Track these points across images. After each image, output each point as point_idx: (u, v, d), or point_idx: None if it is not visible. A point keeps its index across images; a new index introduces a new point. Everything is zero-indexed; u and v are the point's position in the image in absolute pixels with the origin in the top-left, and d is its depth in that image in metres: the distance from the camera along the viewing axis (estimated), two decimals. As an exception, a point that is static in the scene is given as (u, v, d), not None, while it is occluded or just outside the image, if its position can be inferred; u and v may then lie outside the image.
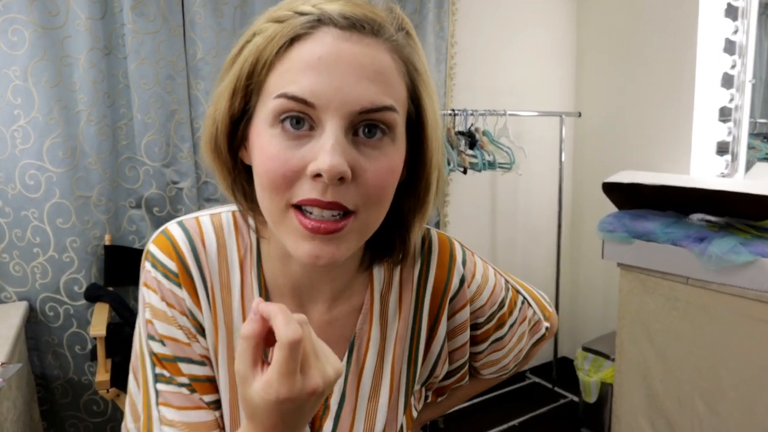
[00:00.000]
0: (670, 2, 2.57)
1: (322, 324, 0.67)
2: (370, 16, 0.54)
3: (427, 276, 0.71)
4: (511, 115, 2.51)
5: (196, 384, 0.64)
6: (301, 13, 0.54)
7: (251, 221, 0.66)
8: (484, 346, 0.78)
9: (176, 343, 0.63)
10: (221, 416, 0.65)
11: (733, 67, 2.48)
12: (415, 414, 0.74)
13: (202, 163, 2.06)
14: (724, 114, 2.53)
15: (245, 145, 0.59)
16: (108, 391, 1.62)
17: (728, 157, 2.55)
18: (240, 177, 0.62)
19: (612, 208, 2.39)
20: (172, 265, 0.64)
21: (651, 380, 2.21)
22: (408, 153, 0.59)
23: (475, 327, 0.76)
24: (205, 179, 2.07)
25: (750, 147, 2.87)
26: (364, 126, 0.54)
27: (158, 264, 0.64)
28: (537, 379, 3.07)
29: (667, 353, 2.15)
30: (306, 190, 0.53)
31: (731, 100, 2.50)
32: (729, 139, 2.54)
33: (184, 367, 0.63)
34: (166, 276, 0.64)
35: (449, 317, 0.73)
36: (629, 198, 2.33)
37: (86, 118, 1.84)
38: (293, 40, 0.54)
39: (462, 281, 0.72)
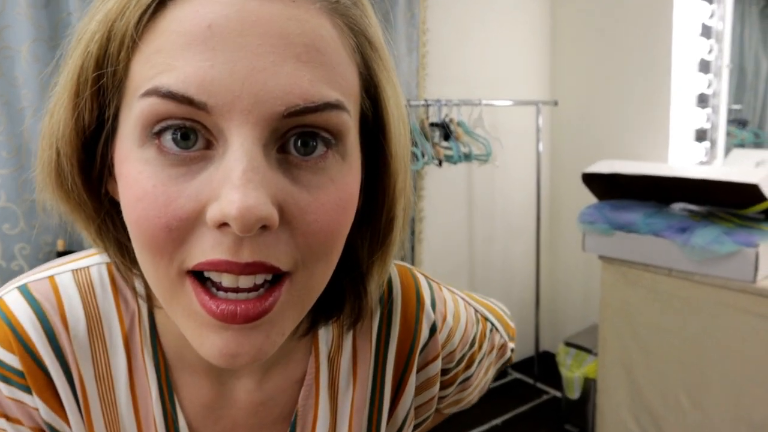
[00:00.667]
0: (645, -14, 2.51)
1: (252, 405, 0.50)
2: None
3: (389, 330, 0.54)
4: (486, 105, 2.43)
5: None
6: None
7: (138, 285, 0.46)
8: (451, 389, 0.64)
9: None
10: None
11: (710, 52, 2.43)
12: None
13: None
14: (702, 100, 2.48)
15: (110, 171, 0.39)
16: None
17: (707, 144, 2.51)
18: (111, 221, 0.42)
19: (590, 199, 2.33)
20: (14, 361, 0.43)
21: (634, 375, 2.16)
22: (364, 171, 0.41)
23: (443, 373, 0.60)
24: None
25: (727, 134, 2.85)
26: (296, 137, 0.35)
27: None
28: (519, 375, 3.01)
29: (651, 347, 2.10)
30: (207, 248, 0.33)
31: (709, 85, 2.46)
32: (707, 125, 2.49)
33: None
34: (5, 378, 0.43)
35: (418, 370, 0.57)
36: (609, 188, 2.28)
37: (31, 114, 1.70)
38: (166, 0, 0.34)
39: (433, 330, 0.56)
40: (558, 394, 2.72)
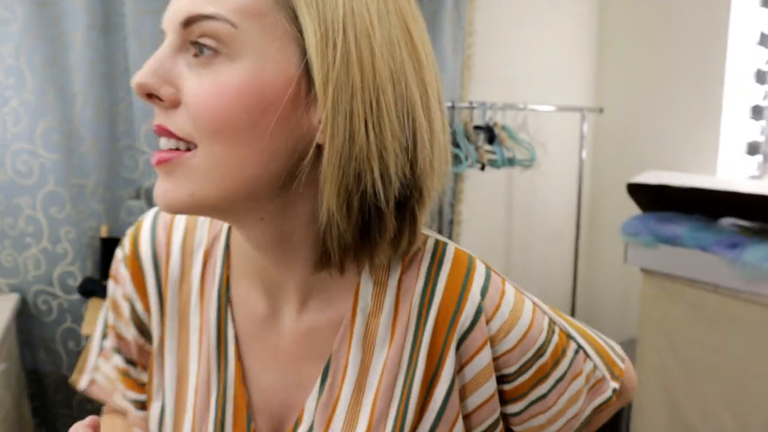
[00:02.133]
0: (701, -7, 2.43)
1: (294, 335, 0.55)
2: None
3: (432, 295, 0.53)
4: (532, 109, 2.39)
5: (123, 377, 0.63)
6: None
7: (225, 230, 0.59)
8: (520, 406, 0.58)
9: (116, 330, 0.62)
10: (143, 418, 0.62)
11: (768, 62, 2.34)
12: None
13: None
14: (757, 112, 2.40)
15: None
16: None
17: (760, 157, 2.42)
18: None
19: (633, 210, 2.27)
20: (126, 270, 0.60)
21: (674, 392, 2.10)
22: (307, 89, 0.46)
23: (503, 380, 0.56)
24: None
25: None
26: (192, 44, 0.45)
27: (120, 250, 0.61)
28: (549, 385, 2.96)
29: (692, 365, 2.03)
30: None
31: (765, 97, 2.37)
32: (762, 138, 2.40)
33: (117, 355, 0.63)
34: (122, 261, 0.61)
35: (463, 364, 0.54)
36: (654, 200, 2.22)
37: (82, 100, 1.73)
38: None
39: (479, 312, 0.53)
40: (590, 407, 2.67)
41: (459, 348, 0.53)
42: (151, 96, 0.46)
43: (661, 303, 2.12)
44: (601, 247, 3.03)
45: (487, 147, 2.20)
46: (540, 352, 0.55)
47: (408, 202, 0.48)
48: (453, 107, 2.22)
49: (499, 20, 2.56)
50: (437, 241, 0.56)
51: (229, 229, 0.58)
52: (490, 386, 0.55)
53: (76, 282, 1.80)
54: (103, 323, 0.64)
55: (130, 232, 0.61)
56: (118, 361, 0.62)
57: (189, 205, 0.46)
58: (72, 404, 1.88)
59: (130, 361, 0.62)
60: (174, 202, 0.46)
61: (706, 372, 1.99)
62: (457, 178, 2.49)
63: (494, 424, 0.57)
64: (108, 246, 1.81)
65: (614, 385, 0.63)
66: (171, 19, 0.46)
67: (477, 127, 2.24)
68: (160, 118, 0.46)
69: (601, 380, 0.62)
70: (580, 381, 0.59)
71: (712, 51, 2.41)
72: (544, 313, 0.58)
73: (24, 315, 1.78)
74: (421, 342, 0.53)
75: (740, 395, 1.90)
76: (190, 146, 0.46)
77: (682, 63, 2.55)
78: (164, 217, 0.60)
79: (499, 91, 2.57)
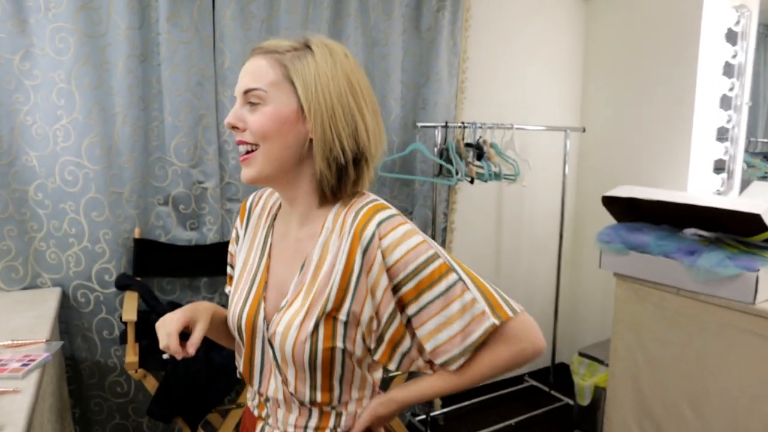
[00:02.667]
0: (673, 26, 2.69)
1: (295, 244, 0.95)
2: (266, 45, 0.89)
3: (354, 221, 0.88)
4: (517, 128, 2.64)
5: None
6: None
7: None
8: (414, 309, 0.86)
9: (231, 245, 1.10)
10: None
11: (731, 89, 2.60)
12: (342, 340, 0.88)
13: (226, 165, 2.20)
14: (722, 134, 2.65)
15: None
16: (136, 371, 1.76)
17: (724, 175, 2.66)
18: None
19: (612, 221, 2.51)
20: (240, 207, 1.11)
21: (641, 384, 2.33)
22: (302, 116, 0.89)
23: (398, 287, 0.86)
24: (228, 180, 2.21)
25: (750, 166, 2.99)
26: (248, 102, 0.88)
27: (241, 207, 1.09)
28: (534, 383, 3.19)
29: (656, 360, 2.26)
30: None
31: (729, 120, 2.62)
32: (726, 157, 2.65)
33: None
34: (238, 212, 1.09)
35: (368, 269, 0.86)
36: (628, 211, 2.45)
37: (122, 119, 1.99)
38: None
39: (374, 233, 0.85)
40: (570, 401, 2.90)
41: (364, 255, 0.86)
42: (234, 127, 0.89)
43: (631, 304, 2.35)
44: (583, 255, 3.27)
45: (476, 162, 2.45)
46: (420, 268, 0.85)
47: (359, 161, 0.90)
48: (447, 126, 2.48)
49: (491, 48, 2.82)
50: (371, 198, 0.93)
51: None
52: (384, 281, 0.85)
53: (111, 278, 2.04)
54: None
55: (247, 197, 1.09)
56: (229, 270, 1.09)
57: (257, 179, 0.89)
58: (104, 387, 2.12)
59: (232, 266, 1.08)
60: (250, 178, 0.89)
61: (668, 366, 2.22)
62: (450, 190, 2.74)
63: (393, 314, 0.87)
64: (140, 246, 2.06)
65: (495, 321, 0.86)
66: (239, 90, 0.89)
67: (468, 145, 2.49)
68: (239, 136, 0.89)
69: (482, 314, 0.86)
70: (457, 305, 0.85)
71: (683, 79, 2.67)
72: (433, 248, 0.87)
73: (64, 307, 2.02)
74: (344, 249, 0.88)
75: (697, 387, 2.13)
76: (254, 148, 0.88)
77: (657, 89, 2.81)
78: (257, 192, 1.07)
79: (490, 112, 2.83)
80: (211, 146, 2.14)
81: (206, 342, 1.82)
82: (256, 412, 1.00)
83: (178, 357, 0.90)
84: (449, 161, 2.43)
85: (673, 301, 2.18)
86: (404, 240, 0.85)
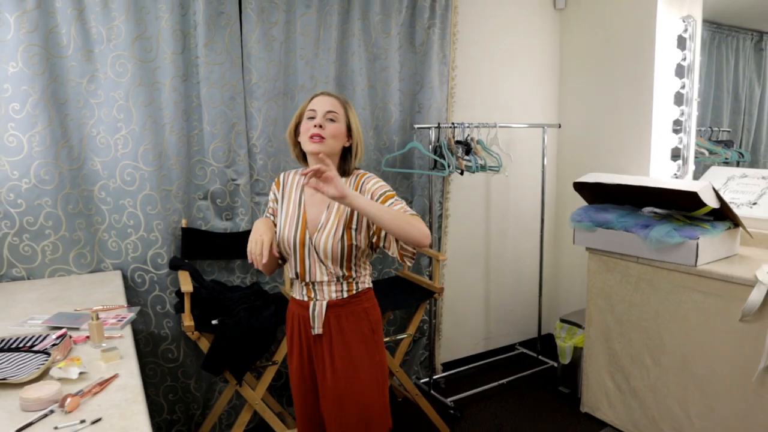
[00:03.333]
0: (633, 34, 3.11)
1: (323, 197, 1.64)
2: (332, 93, 1.70)
3: (354, 180, 1.67)
4: (501, 127, 3.05)
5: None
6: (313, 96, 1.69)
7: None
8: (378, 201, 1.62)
9: (268, 205, 1.79)
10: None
11: (683, 87, 3.01)
12: (355, 239, 1.62)
13: (254, 165, 2.61)
14: (677, 126, 3.06)
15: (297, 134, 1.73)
16: (193, 333, 2.17)
17: (680, 161, 3.08)
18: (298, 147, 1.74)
19: (586, 203, 2.92)
20: (275, 180, 1.80)
21: (611, 342, 2.74)
22: (348, 135, 1.67)
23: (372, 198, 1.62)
24: (257, 177, 2.62)
25: (712, 153, 3.40)
26: (327, 118, 1.62)
27: (276, 180, 1.79)
28: (524, 350, 3.60)
29: (623, 319, 2.68)
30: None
31: (682, 114, 3.04)
32: (681, 146, 3.07)
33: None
34: (274, 182, 1.77)
35: (362, 190, 1.65)
36: (597, 195, 2.86)
37: (169, 129, 2.39)
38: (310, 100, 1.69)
39: (363, 181, 1.66)
40: (555, 364, 3.31)
41: (359, 192, 1.63)
42: (320, 126, 1.61)
43: (601, 274, 2.77)
44: (562, 234, 3.69)
45: (465, 157, 2.86)
46: (385, 191, 1.62)
47: (357, 152, 1.69)
48: (439, 127, 2.89)
49: (476, 57, 3.24)
50: (362, 171, 1.71)
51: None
52: (373, 194, 1.63)
53: (164, 261, 2.45)
54: (266, 207, 1.83)
55: (278, 176, 1.80)
56: (269, 211, 1.76)
57: (320, 151, 1.56)
58: (158, 354, 2.52)
59: (273, 215, 1.75)
60: (318, 150, 1.57)
61: (633, 324, 2.63)
62: (444, 181, 3.15)
63: (368, 226, 1.66)
64: (187, 234, 2.46)
65: (413, 212, 1.59)
66: (322, 109, 1.63)
67: (458, 142, 2.90)
68: (318, 131, 1.60)
69: (414, 214, 1.58)
70: (402, 206, 1.58)
71: (643, 79, 3.09)
72: (386, 189, 1.64)
73: (124, 287, 2.42)
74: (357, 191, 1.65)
75: (655, 339, 2.54)
76: (324, 139, 1.61)
77: (622, 88, 3.23)
78: (284, 173, 1.78)
79: (477, 113, 3.24)
80: (242, 149, 2.54)
81: (247, 308, 2.22)
82: (306, 298, 1.67)
83: (265, 260, 1.54)
84: (442, 156, 2.84)
85: (635, 268, 2.59)
86: (376, 180, 1.66)
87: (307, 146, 1.60)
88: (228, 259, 2.61)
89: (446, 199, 3.19)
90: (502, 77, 3.37)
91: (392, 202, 1.58)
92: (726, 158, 3.40)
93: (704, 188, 2.31)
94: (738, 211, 2.66)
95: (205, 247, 2.51)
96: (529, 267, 3.65)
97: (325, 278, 1.63)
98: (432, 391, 3.08)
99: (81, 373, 1.39)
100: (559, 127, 3.39)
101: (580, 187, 2.85)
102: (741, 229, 2.49)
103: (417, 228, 1.49)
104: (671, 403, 2.49)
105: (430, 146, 2.90)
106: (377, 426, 1.65)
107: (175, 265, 2.39)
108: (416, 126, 2.91)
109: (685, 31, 2.95)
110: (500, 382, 3.17)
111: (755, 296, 2.12)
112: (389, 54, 2.85)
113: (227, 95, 2.48)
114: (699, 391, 2.37)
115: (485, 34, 3.26)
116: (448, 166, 2.80)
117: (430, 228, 3.02)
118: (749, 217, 2.66)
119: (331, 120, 1.61)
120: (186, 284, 2.18)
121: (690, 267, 2.36)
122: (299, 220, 1.65)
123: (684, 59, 2.98)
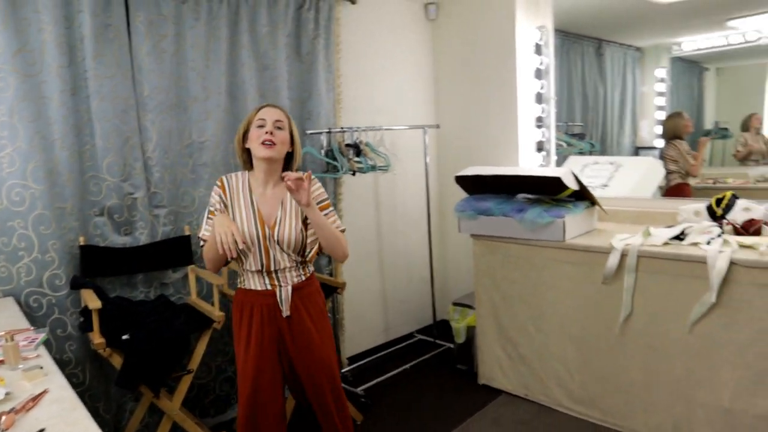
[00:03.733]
0: (497, 41, 3.48)
1: (272, 195, 1.92)
2: (278, 106, 1.96)
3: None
4: (386, 129, 3.27)
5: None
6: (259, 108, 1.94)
7: (247, 172, 1.99)
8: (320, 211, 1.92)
9: (214, 207, 1.92)
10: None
11: (542, 88, 3.42)
12: (308, 237, 1.92)
13: (151, 178, 2.60)
14: (539, 122, 3.47)
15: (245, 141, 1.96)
16: (105, 350, 2.14)
17: (544, 152, 3.49)
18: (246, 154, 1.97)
19: (466, 194, 3.21)
20: (219, 183, 1.96)
21: (499, 317, 3.05)
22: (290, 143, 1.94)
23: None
24: (154, 190, 2.61)
25: (569, 144, 3.87)
26: (275, 127, 1.88)
27: (218, 185, 1.94)
28: (422, 336, 3.86)
29: (508, 296, 2.99)
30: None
31: (543, 111, 3.44)
32: (543, 139, 3.48)
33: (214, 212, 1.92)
34: (218, 186, 1.94)
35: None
36: (476, 186, 3.16)
37: (60, 145, 2.32)
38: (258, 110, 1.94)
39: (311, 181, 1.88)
40: (451, 345, 3.59)
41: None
42: (271, 133, 1.85)
43: (485, 257, 3.07)
44: (448, 225, 4.00)
45: (356, 159, 3.04)
46: (323, 199, 1.95)
47: (297, 156, 1.96)
48: (330, 132, 3.05)
49: (359, 66, 3.44)
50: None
51: (248, 176, 1.97)
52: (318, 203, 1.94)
53: (62, 282, 2.36)
54: (207, 211, 1.92)
55: (219, 179, 1.95)
56: (210, 213, 1.92)
57: (271, 158, 1.85)
58: (60, 378, 2.43)
59: (212, 213, 1.91)
60: (269, 157, 1.84)
61: (516, 299, 2.95)
62: (336, 183, 3.32)
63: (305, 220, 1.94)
64: (86, 251, 2.40)
65: (343, 227, 2.00)
66: (271, 118, 1.88)
67: (348, 145, 3.08)
68: (269, 137, 1.83)
69: (343, 230, 1.99)
70: (335, 219, 1.96)
71: (508, 82, 3.45)
72: (325, 198, 1.96)
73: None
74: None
75: (536, 310, 2.88)
76: (274, 144, 1.85)
77: (490, 90, 3.58)
78: (225, 176, 1.95)
79: (363, 117, 3.44)
80: (137, 162, 2.53)
81: (157, 320, 2.23)
82: (269, 287, 1.91)
83: (240, 246, 1.75)
84: (335, 159, 3.00)
85: (514, 248, 2.92)
86: (319, 188, 1.93)
87: (261, 151, 1.83)
88: (130, 274, 2.58)
89: (339, 201, 3.35)
90: (384, 83, 3.61)
91: (327, 213, 1.92)
92: (581, 149, 3.90)
93: (566, 174, 2.67)
94: (594, 193, 3.09)
95: (106, 264, 2.47)
96: (419, 258, 3.92)
97: (288, 265, 1.90)
98: (342, 384, 3.21)
99: (7, 394, 1.38)
100: (438, 127, 3.69)
101: (461, 180, 3.13)
102: (597, 207, 2.90)
103: (343, 248, 1.93)
104: (554, 363, 2.83)
105: (322, 150, 3.05)
106: (337, 379, 2.08)
107: (76, 284, 2.33)
108: (308, 132, 3.05)
109: (541, 38, 3.35)
110: (403, 368, 3.39)
111: (612, 261, 2.50)
112: (278, 64, 2.96)
113: (119, 108, 2.46)
114: (576, 349, 2.73)
115: (366, 44, 3.48)
116: (341, 168, 2.96)
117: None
118: (603, 197, 3.09)
119: (279, 128, 1.85)
120: (92, 301, 2.14)
121: (559, 242, 2.71)
122: (256, 217, 1.88)
123: (541, 63, 3.38)
